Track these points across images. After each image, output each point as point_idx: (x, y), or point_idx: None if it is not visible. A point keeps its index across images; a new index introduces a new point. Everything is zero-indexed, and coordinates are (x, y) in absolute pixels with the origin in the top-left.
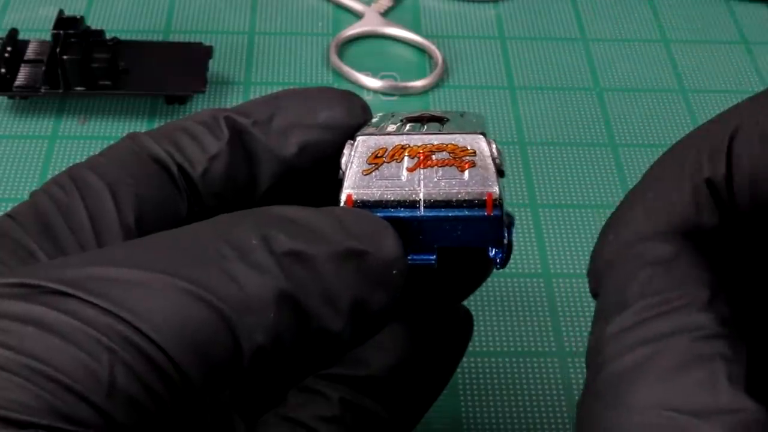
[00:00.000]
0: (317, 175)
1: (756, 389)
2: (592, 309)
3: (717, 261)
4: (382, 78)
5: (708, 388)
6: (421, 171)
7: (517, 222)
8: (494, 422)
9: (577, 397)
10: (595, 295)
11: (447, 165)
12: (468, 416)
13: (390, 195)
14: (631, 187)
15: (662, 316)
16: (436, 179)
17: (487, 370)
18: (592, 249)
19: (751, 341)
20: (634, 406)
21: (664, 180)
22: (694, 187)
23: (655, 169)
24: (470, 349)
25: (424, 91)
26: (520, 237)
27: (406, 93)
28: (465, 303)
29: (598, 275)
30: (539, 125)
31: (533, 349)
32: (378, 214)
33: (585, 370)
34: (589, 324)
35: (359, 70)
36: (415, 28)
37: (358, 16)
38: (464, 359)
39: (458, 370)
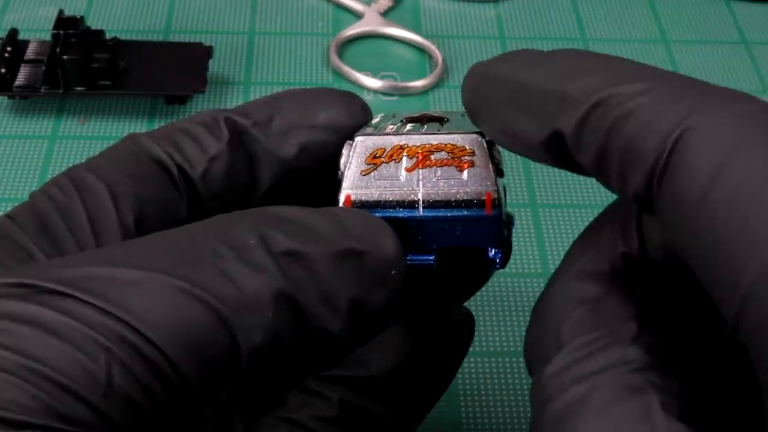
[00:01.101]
0: (317, 175)
1: (689, 416)
2: None
3: (644, 295)
4: (382, 78)
5: (643, 418)
6: (420, 171)
7: (517, 222)
8: (494, 422)
9: None
10: (531, 372)
11: (446, 165)
12: (468, 416)
13: (388, 195)
14: None
15: (594, 354)
16: (434, 179)
17: (487, 371)
18: None
19: (681, 369)
20: None
21: (585, 255)
22: (612, 260)
23: (577, 244)
24: (471, 349)
25: (424, 91)
26: (520, 237)
27: (406, 93)
28: (466, 303)
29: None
30: None
31: None
32: (376, 214)
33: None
34: None
35: (359, 70)
36: (415, 28)
37: (358, 16)
38: (464, 359)
39: (458, 370)
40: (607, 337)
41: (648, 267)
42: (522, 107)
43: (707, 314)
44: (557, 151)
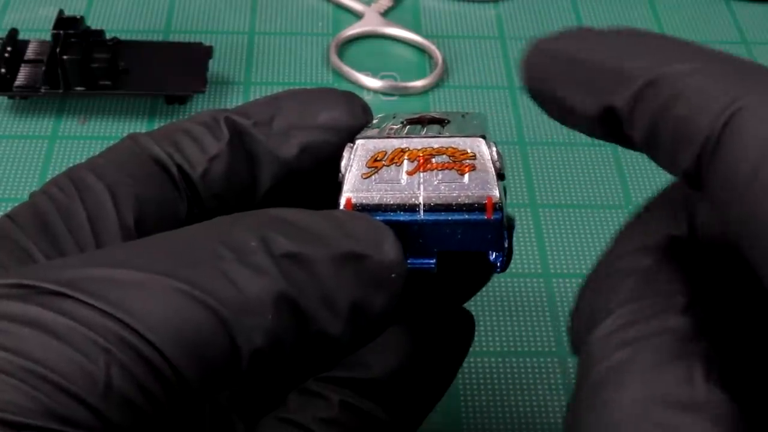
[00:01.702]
0: (318, 176)
1: (730, 388)
2: None
3: (694, 272)
4: (382, 78)
5: (684, 382)
6: (421, 174)
7: (517, 222)
8: (494, 422)
9: None
10: (576, 350)
11: (447, 168)
12: (468, 416)
13: (389, 198)
14: (631, 187)
15: (643, 321)
16: (435, 183)
17: (487, 370)
18: (591, 249)
19: (726, 344)
20: (619, 402)
21: (635, 234)
22: (663, 240)
23: (627, 226)
24: (470, 349)
25: (424, 91)
26: (520, 237)
27: (406, 93)
28: (465, 303)
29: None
30: (539, 125)
31: (533, 349)
32: (377, 217)
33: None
34: None
35: (359, 70)
36: (415, 28)
37: (358, 16)
38: (465, 359)
39: (459, 370)
40: (656, 305)
41: (697, 249)
42: (580, 82)
43: (756, 296)
44: (611, 126)
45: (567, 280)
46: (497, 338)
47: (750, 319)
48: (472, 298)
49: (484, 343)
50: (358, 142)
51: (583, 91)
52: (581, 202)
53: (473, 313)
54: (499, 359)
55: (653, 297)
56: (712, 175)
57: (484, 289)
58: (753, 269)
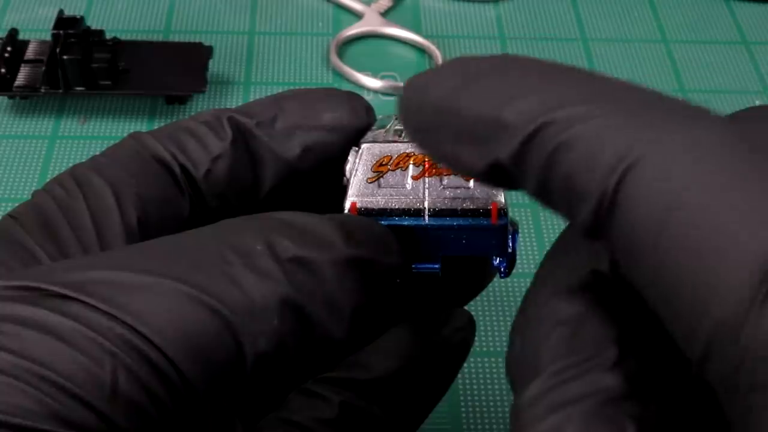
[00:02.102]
0: (320, 176)
1: None
2: None
3: (622, 314)
4: (382, 78)
5: None
6: (426, 179)
7: (519, 225)
8: (494, 422)
9: None
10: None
11: (452, 173)
12: (468, 416)
13: (395, 203)
14: None
15: (571, 381)
16: (440, 188)
17: (488, 371)
18: None
19: (659, 395)
20: None
21: (560, 269)
22: (587, 276)
23: (550, 256)
24: (471, 349)
25: None
26: (520, 237)
27: None
28: (466, 305)
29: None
30: None
31: None
32: (382, 222)
33: None
34: None
35: (359, 70)
36: (415, 28)
37: (358, 16)
38: (465, 360)
39: (459, 371)
40: (586, 362)
41: (621, 285)
42: (459, 136)
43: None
44: (502, 179)
45: None
46: (497, 338)
47: (678, 363)
48: (473, 299)
49: (484, 344)
50: (364, 146)
51: (466, 144)
52: None
53: (473, 314)
54: (499, 359)
55: (582, 352)
56: (611, 235)
57: (484, 289)
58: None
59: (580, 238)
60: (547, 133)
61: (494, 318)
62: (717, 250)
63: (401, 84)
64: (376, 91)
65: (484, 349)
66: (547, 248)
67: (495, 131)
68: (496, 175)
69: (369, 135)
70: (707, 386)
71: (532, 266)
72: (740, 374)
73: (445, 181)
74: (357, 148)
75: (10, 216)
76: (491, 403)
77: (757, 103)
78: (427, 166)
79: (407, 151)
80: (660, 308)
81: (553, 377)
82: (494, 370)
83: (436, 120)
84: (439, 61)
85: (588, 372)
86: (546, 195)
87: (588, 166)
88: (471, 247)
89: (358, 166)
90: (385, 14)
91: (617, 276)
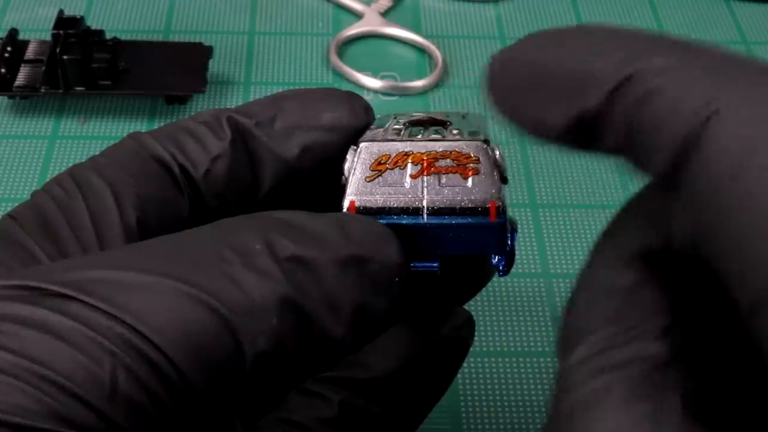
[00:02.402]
0: (319, 176)
1: (707, 415)
2: None
3: (675, 286)
4: (382, 78)
5: (658, 418)
6: (425, 178)
7: (518, 224)
8: (494, 422)
9: None
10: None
11: (450, 172)
12: (468, 416)
13: (393, 202)
14: (631, 187)
15: (619, 347)
16: (439, 186)
17: (488, 370)
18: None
19: (705, 366)
20: None
21: (616, 242)
22: (642, 249)
23: (607, 232)
24: (470, 349)
25: (424, 91)
26: (520, 237)
27: (406, 93)
28: (465, 304)
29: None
30: None
31: (533, 349)
32: (381, 220)
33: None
34: None
35: (359, 70)
36: (415, 28)
37: (358, 16)
38: (465, 360)
39: (459, 370)
40: (635, 329)
41: (675, 261)
42: (548, 91)
43: (728, 312)
44: (584, 135)
45: (567, 280)
46: (497, 338)
47: (727, 338)
48: (472, 298)
49: (484, 344)
50: (362, 145)
51: (553, 99)
52: (581, 202)
53: (473, 313)
54: (499, 359)
55: (631, 319)
56: (689, 177)
57: (484, 289)
58: (721, 282)
59: (639, 212)
60: (637, 80)
61: (494, 317)
62: None
63: (401, 84)
64: (376, 91)
65: (484, 348)
66: (547, 248)
67: (585, 82)
68: (581, 130)
69: (367, 134)
70: (753, 356)
71: (533, 266)
72: None
73: (444, 179)
74: (355, 147)
75: (10, 216)
76: (491, 403)
77: None
78: (425, 165)
79: (405, 149)
80: (723, 257)
81: (601, 342)
82: (494, 370)
83: (523, 79)
84: (439, 61)
85: (636, 339)
86: (630, 143)
87: (675, 110)
88: (469, 245)
89: (356, 164)
90: (385, 14)
91: (671, 251)
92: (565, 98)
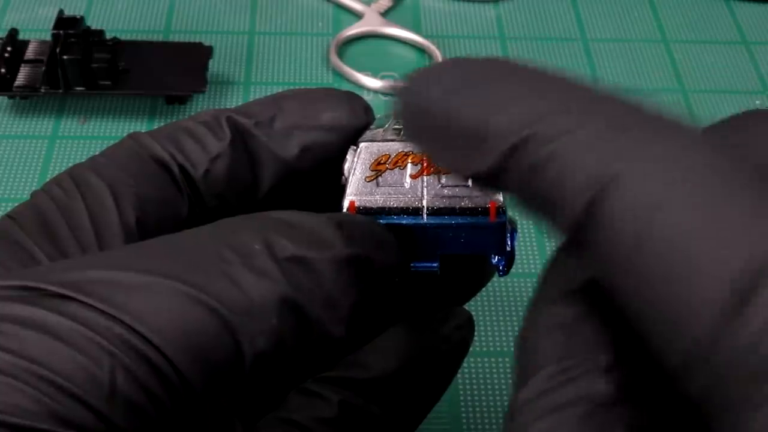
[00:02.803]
0: (319, 176)
1: None
2: None
3: (618, 320)
4: (382, 78)
5: None
6: (425, 178)
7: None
8: (494, 422)
9: None
10: None
11: (450, 172)
12: (468, 416)
13: (393, 202)
14: None
15: (564, 385)
16: (439, 186)
17: (487, 371)
18: None
19: (651, 401)
20: None
21: (560, 276)
22: (584, 283)
23: (551, 265)
24: (470, 349)
25: None
26: (521, 237)
27: None
28: (465, 304)
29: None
30: None
31: None
32: (381, 221)
33: None
34: None
35: (359, 70)
36: (415, 28)
37: (358, 16)
38: (465, 360)
39: (458, 370)
40: (579, 366)
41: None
42: (449, 143)
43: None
44: (491, 185)
45: None
46: (497, 338)
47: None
48: (473, 298)
49: (484, 343)
50: (362, 145)
51: (455, 151)
52: None
53: (473, 313)
54: (499, 359)
55: (576, 355)
56: (589, 250)
57: (484, 289)
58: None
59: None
60: (531, 145)
61: (494, 318)
62: (690, 268)
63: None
64: (376, 91)
65: (484, 349)
66: (547, 248)
67: (478, 142)
68: (485, 181)
69: (367, 134)
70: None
71: (533, 266)
72: (714, 394)
73: (444, 179)
74: (355, 147)
75: (9, 216)
76: (491, 403)
77: (757, 103)
78: (425, 164)
79: (405, 149)
80: (637, 325)
81: (546, 381)
82: (494, 370)
83: (428, 123)
84: (439, 60)
85: (580, 376)
86: (527, 206)
87: (565, 184)
88: (469, 245)
89: (356, 165)
90: (385, 14)
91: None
92: (463, 156)
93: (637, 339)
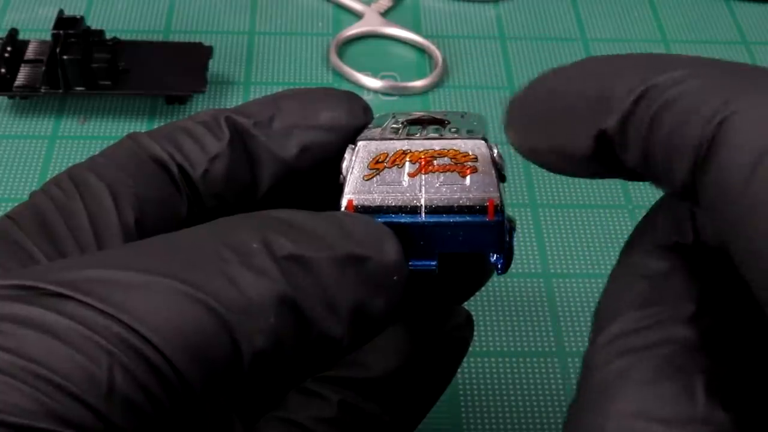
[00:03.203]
0: (318, 176)
1: (733, 403)
2: (592, 309)
3: (704, 278)
4: (382, 78)
5: (684, 398)
6: (423, 176)
7: (517, 222)
8: (494, 422)
9: None
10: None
11: (448, 170)
12: (468, 416)
13: (391, 200)
14: (630, 186)
15: (649, 329)
16: (437, 185)
17: (487, 370)
18: (591, 249)
19: (732, 356)
20: (612, 414)
21: (647, 237)
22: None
23: (636, 232)
24: (470, 349)
25: (424, 91)
26: (520, 237)
27: (406, 93)
28: (465, 303)
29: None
30: None
31: (533, 349)
32: (379, 219)
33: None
34: (589, 324)
35: (359, 70)
36: (415, 28)
37: (358, 16)
38: (464, 360)
39: (458, 370)
40: (663, 314)
41: (704, 255)
42: (568, 117)
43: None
44: (605, 158)
45: (567, 280)
46: (497, 338)
47: (753, 329)
48: (472, 298)
49: (484, 343)
50: (360, 143)
51: (571, 124)
52: (581, 202)
53: (473, 313)
54: (499, 359)
55: (661, 304)
56: (705, 184)
57: (484, 289)
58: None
59: (670, 209)
60: (651, 96)
61: (493, 317)
62: None
63: (401, 84)
64: (376, 91)
65: (484, 348)
66: (547, 248)
67: (601, 104)
68: (601, 152)
69: (365, 133)
70: None
71: (533, 266)
72: None
73: (442, 177)
74: (353, 146)
75: (8, 217)
76: (491, 403)
77: None
78: (423, 163)
79: (403, 148)
80: (744, 258)
81: (629, 323)
82: (494, 370)
83: (544, 111)
84: (439, 61)
85: (664, 323)
86: (648, 159)
87: (687, 120)
88: (467, 243)
89: (354, 163)
90: (385, 14)
91: (699, 246)
92: (585, 120)
93: (722, 298)
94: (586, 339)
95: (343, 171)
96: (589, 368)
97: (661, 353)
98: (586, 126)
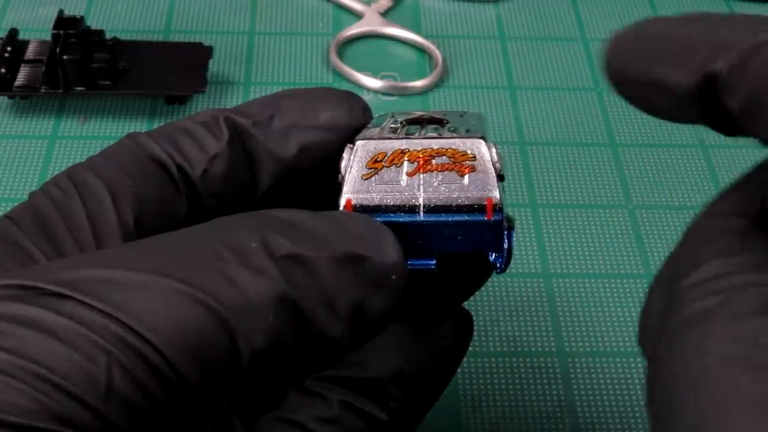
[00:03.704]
0: (317, 176)
1: None
2: (592, 309)
3: None
4: (382, 78)
5: None
6: (421, 176)
7: (517, 222)
8: (494, 422)
9: (576, 397)
10: (643, 348)
11: (447, 170)
12: (468, 416)
13: (389, 199)
14: (630, 186)
15: (734, 274)
16: (435, 184)
17: (487, 370)
18: (591, 249)
19: None
20: (717, 334)
21: (729, 203)
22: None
23: (714, 200)
24: (470, 349)
25: (424, 91)
26: (520, 237)
27: (406, 93)
28: (465, 303)
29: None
30: (539, 125)
31: (533, 349)
32: (377, 218)
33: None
34: (589, 324)
35: (359, 70)
36: (415, 28)
37: (358, 16)
38: (464, 359)
39: (458, 370)
40: (750, 262)
41: None
42: (672, 56)
43: None
44: (705, 99)
45: (567, 280)
46: (497, 338)
47: None
48: (472, 298)
49: (484, 343)
50: (358, 143)
51: (676, 63)
52: (581, 202)
53: (473, 313)
54: (499, 359)
55: (748, 254)
56: None
57: (483, 289)
58: None
59: (744, 186)
60: (764, 49)
61: (493, 317)
62: None
63: (401, 84)
64: (376, 91)
65: (483, 348)
66: (547, 248)
67: (714, 48)
68: (703, 93)
69: (364, 132)
70: None
71: (532, 266)
72: None
73: (440, 177)
74: (352, 145)
75: (7, 217)
76: (491, 403)
77: None
78: (421, 162)
79: (402, 147)
80: None
81: (716, 268)
82: (494, 370)
83: (647, 46)
84: (439, 61)
85: (751, 270)
86: (752, 108)
87: None
88: (466, 242)
89: (352, 162)
90: (385, 14)
91: None
92: (693, 61)
93: None
94: (587, 339)
95: (342, 170)
96: (671, 311)
97: (753, 293)
98: (694, 63)
